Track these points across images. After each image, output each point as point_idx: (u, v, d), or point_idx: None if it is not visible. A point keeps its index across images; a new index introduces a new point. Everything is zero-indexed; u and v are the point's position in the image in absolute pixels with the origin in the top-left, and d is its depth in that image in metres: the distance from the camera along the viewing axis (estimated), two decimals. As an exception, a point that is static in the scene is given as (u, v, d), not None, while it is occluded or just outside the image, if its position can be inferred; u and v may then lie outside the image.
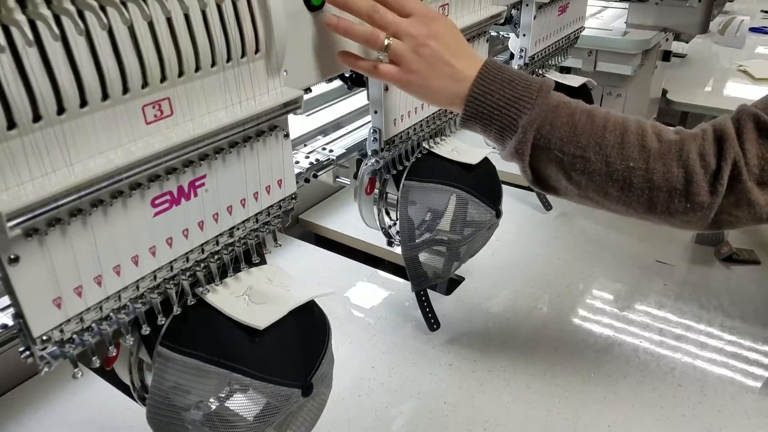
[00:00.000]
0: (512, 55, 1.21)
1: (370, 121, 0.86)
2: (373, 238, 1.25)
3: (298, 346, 0.64)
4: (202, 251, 0.61)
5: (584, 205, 0.69)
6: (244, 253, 0.68)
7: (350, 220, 1.34)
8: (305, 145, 0.99)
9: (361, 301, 1.11)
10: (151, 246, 0.56)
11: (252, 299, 0.65)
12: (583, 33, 1.34)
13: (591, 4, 1.57)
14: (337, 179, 1.13)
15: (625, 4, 1.52)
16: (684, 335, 0.99)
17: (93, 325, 0.55)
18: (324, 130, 1.07)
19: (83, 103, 0.46)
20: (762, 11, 2.62)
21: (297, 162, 0.89)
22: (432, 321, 1.02)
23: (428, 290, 1.04)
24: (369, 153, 0.85)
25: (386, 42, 0.62)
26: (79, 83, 0.45)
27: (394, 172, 0.89)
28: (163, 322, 0.61)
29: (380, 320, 1.05)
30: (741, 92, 1.79)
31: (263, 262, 0.72)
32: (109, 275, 0.53)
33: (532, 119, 0.62)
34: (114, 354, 0.62)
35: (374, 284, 1.15)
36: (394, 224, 1.00)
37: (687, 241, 1.22)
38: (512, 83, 0.63)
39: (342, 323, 1.05)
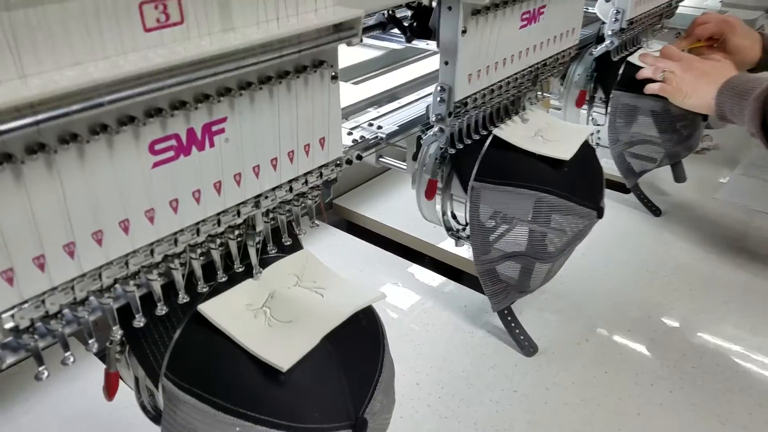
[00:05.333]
0: (599, 38, 1.04)
1: (430, 94, 0.70)
2: (416, 230, 1.09)
3: (340, 374, 0.48)
4: (218, 223, 0.46)
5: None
6: (273, 231, 0.53)
7: (390, 208, 1.18)
8: (348, 119, 0.83)
9: (401, 302, 0.94)
10: (147, 208, 0.41)
11: (274, 315, 0.49)
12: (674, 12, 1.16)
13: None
14: (381, 159, 0.97)
15: (720, -18, 1.33)
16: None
17: (65, 311, 0.40)
18: (376, 102, 0.91)
19: (47, -19, 0.31)
20: None
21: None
22: (527, 344, 0.83)
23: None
24: (432, 119, 0.69)
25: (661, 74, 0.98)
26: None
27: (461, 146, 0.73)
28: (163, 310, 0.46)
29: (426, 327, 0.89)
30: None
31: (296, 246, 0.56)
32: (85, 243, 0.38)
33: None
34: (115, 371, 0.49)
35: (418, 283, 0.99)
36: (464, 228, 0.84)
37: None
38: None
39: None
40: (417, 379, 0.79)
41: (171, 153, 0.41)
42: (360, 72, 1.05)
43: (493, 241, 0.81)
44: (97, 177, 0.37)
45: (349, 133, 0.76)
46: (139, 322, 0.45)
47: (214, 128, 0.43)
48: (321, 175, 0.52)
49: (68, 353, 0.42)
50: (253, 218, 0.50)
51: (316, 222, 0.56)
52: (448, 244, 1.04)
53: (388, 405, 0.53)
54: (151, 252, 0.42)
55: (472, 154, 0.77)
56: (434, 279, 1.00)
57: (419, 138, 0.81)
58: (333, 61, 0.49)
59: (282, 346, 0.46)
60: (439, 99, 0.67)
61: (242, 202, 0.47)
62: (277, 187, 0.49)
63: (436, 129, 0.70)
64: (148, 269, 0.44)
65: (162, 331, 0.50)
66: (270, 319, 0.49)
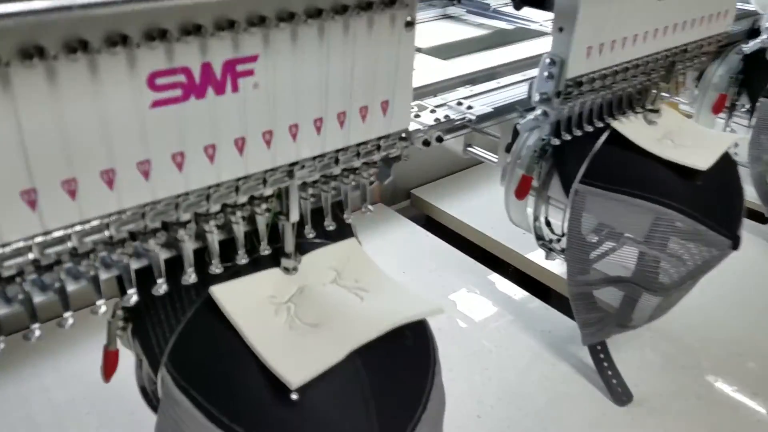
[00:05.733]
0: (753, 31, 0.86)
1: (533, 78, 0.57)
2: (502, 235, 0.95)
3: (369, 402, 0.37)
4: (236, 190, 0.36)
5: None
6: (313, 212, 0.42)
7: (476, 206, 1.05)
8: (435, 96, 0.71)
9: (474, 312, 0.82)
10: (141, 159, 0.32)
11: (299, 314, 0.39)
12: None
13: None
14: (469, 149, 0.85)
15: None
16: None
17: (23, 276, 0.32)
18: (470, 81, 0.78)
19: None
20: None
21: (417, 116, 0.63)
22: (619, 390, 0.69)
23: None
24: (535, 99, 0.56)
25: None
26: None
27: (568, 137, 0.59)
28: (161, 289, 0.37)
29: (500, 348, 0.76)
30: None
31: (342, 233, 0.46)
32: (50, 195, 0.30)
33: None
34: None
35: (497, 294, 0.86)
36: (559, 240, 0.71)
37: None
38: None
39: (442, 338, 0.76)
40: (479, 410, 0.67)
41: (178, 92, 0.32)
42: (459, 51, 0.93)
43: (594, 260, 0.68)
44: (72, 107, 0.29)
45: (433, 111, 0.65)
46: (131, 298, 0.37)
47: (240, 68, 0.33)
48: (379, 148, 0.41)
49: (68, 313, 0.35)
50: (287, 192, 0.40)
51: (369, 207, 0.45)
52: (537, 255, 0.91)
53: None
54: (143, 215, 0.33)
55: (581, 149, 0.63)
56: (516, 293, 0.86)
57: (516, 126, 0.68)
58: (409, 0, 0.37)
59: (298, 356, 0.36)
60: (546, 74, 0.54)
61: (272, 169, 0.37)
62: (320, 156, 0.39)
63: (538, 112, 0.57)
64: (144, 236, 0.35)
65: (170, 311, 0.41)
66: (293, 318, 0.39)
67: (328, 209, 0.43)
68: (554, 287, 0.89)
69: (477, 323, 0.80)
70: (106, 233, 0.32)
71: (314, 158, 0.39)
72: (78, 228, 0.31)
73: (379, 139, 0.41)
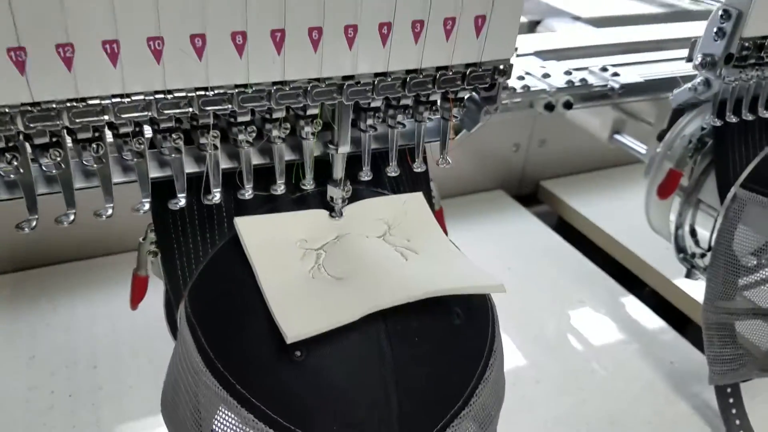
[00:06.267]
0: None
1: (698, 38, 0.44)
2: (641, 249, 0.81)
3: (390, 385, 0.29)
4: (268, 96, 0.30)
5: None
6: (380, 155, 0.35)
7: (616, 211, 0.90)
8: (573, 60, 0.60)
9: (587, 329, 0.69)
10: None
11: (325, 264, 0.32)
12: None
13: None
14: (616, 136, 0.72)
15: None
16: None
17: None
18: (625, 51, 0.65)
19: None
20: None
21: (546, 74, 0.52)
22: None
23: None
24: (696, 61, 0.43)
25: None
26: None
27: (734, 120, 0.46)
28: (179, 203, 0.32)
29: (606, 370, 0.63)
30: None
31: (409, 182, 0.38)
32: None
33: None
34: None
35: (622, 315, 0.72)
36: (704, 255, 0.57)
37: None
38: None
39: (540, 345, 0.65)
40: (562, 435, 0.56)
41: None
42: (623, 23, 0.79)
43: (744, 287, 0.53)
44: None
45: (567, 73, 0.54)
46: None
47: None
48: (465, 78, 0.32)
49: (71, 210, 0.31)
50: (333, 113, 0.33)
51: (447, 158, 0.37)
52: (678, 276, 0.75)
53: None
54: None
55: (750, 145, 0.49)
56: (649, 320, 0.72)
57: (676, 111, 0.55)
58: None
59: (306, 309, 0.29)
60: (715, 30, 0.41)
61: (316, 79, 0.30)
62: (382, 74, 0.31)
63: (698, 80, 0.44)
64: (136, 137, 0.30)
65: (199, 242, 0.36)
66: (318, 267, 0.32)
67: (394, 151, 0.35)
68: (693, 317, 0.74)
69: (586, 339, 0.68)
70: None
71: (376, 76, 0.31)
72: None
73: (467, 66, 0.33)
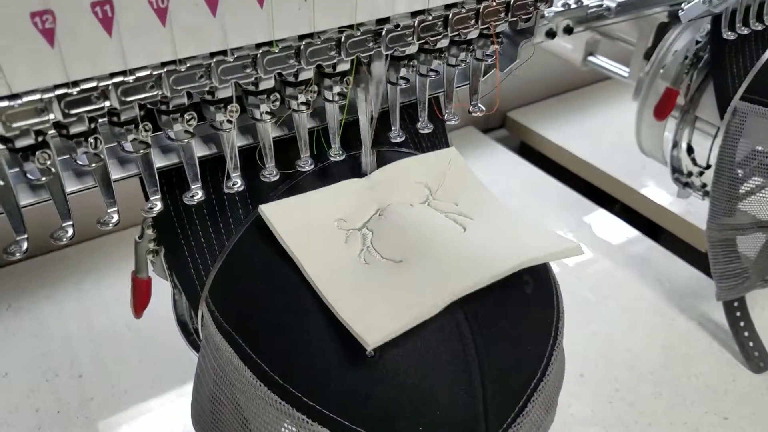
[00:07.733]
0: None
1: None
2: (610, 165, 0.80)
3: (473, 372, 0.26)
4: (296, 53, 0.24)
5: None
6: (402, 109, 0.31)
7: (578, 133, 0.89)
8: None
9: (574, 257, 0.69)
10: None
11: (376, 245, 0.28)
12: None
13: None
14: (590, 58, 0.70)
15: None
16: None
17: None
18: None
19: None
20: None
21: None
22: (756, 355, 0.57)
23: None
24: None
25: None
26: None
27: (732, 36, 0.43)
28: (196, 196, 0.27)
29: (606, 300, 0.64)
30: None
31: (439, 139, 0.34)
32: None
33: None
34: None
35: (603, 233, 0.73)
36: (702, 173, 0.57)
37: None
38: None
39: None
40: (581, 368, 0.55)
41: None
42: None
43: (742, 196, 0.53)
44: None
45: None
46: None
47: None
48: (508, 8, 0.28)
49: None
50: (358, 64, 0.28)
51: (479, 105, 0.33)
52: (650, 191, 0.76)
53: (544, 427, 0.30)
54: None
55: (746, 55, 0.48)
56: (627, 233, 0.72)
57: (679, 14, 0.52)
58: None
59: (374, 306, 0.25)
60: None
61: (349, 27, 0.25)
62: (420, 12, 0.26)
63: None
64: (143, 123, 0.24)
65: (211, 233, 0.31)
66: (368, 251, 0.28)
67: (423, 102, 0.31)
68: (667, 227, 0.75)
69: (577, 271, 0.67)
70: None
71: (413, 16, 0.26)
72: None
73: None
